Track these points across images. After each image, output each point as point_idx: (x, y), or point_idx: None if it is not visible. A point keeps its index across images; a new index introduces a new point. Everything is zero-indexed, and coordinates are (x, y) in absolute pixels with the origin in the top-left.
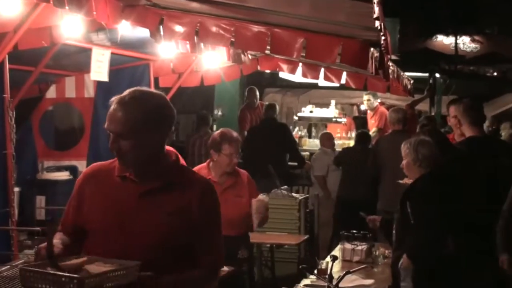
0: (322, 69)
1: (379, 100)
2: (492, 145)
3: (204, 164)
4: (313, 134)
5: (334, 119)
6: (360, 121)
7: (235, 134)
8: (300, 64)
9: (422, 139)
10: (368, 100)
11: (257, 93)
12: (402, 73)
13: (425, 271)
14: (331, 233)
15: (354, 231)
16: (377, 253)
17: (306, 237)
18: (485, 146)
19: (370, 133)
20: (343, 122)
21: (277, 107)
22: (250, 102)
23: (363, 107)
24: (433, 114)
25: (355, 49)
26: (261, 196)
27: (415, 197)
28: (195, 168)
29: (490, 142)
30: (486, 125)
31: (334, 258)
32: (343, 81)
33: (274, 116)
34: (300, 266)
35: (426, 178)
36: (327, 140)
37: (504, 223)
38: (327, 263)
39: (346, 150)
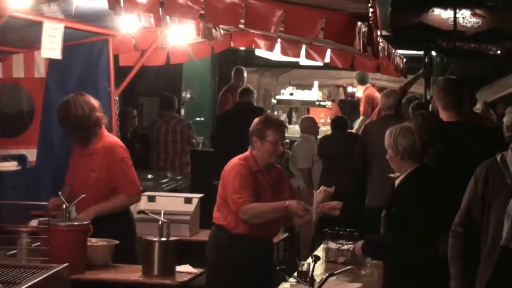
0: (304, 46)
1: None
2: (467, 131)
3: (248, 153)
4: (294, 119)
5: (317, 103)
6: (347, 105)
7: (278, 118)
8: (279, 40)
9: (403, 127)
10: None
11: (245, 74)
12: (393, 51)
13: (416, 276)
14: (314, 230)
15: (339, 228)
16: None
17: (285, 235)
18: (460, 132)
19: (358, 121)
20: (327, 106)
21: (254, 90)
22: (236, 85)
23: (350, 89)
24: (428, 97)
25: (340, 23)
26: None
27: (406, 194)
28: (239, 157)
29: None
30: (477, 108)
31: (316, 259)
32: (327, 59)
33: (250, 99)
34: (278, 268)
35: (418, 173)
36: (309, 125)
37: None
38: (309, 264)
39: (325, 139)
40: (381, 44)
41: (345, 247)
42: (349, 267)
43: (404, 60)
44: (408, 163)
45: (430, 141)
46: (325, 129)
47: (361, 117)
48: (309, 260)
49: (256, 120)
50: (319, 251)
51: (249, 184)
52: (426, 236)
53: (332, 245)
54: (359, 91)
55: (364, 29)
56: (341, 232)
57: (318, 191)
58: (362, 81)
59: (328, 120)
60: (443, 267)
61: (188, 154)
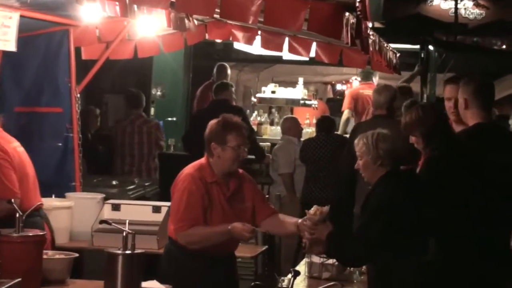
0: (287, 39)
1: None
2: (505, 136)
3: (203, 161)
4: (276, 120)
5: (302, 102)
6: (335, 105)
7: (238, 119)
8: (259, 32)
9: (380, 132)
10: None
11: (229, 72)
12: (385, 45)
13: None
14: (297, 243)
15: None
16: (352, 268)
17: (264, 248)
18: (498, 136)
19: (343, 117)
20: (313, 106)
21: (233, 85)
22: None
23: (339, 86)
24: (425, 96)
25: (325, 13)
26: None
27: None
28: (194, 165)
29: (502, 132)
30: None
31: (296, 274)
32: (312, 53)
33: (227, 96)
34: (253, 284)
35: (388, 177)
36: (292, 126)
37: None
38: (289, 280)
39: (308, 142)
40: (371, 37)
41: (330, 261)
42: (332, 283)
43: (398, 55)
44: (383, 169)
45: (431, 139)
46: (310, 130)
47: (344, 112)
48: (290, 275)
49: (212, 123)
50: (301, 266)
51: (197, 204)
52: (385, 243)
53: (316, 259)
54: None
55: (352, 20)
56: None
57: (312, 211)
58: (366, 77)
59: (314, 121)
60: (431, 279)
61: (156, 157)
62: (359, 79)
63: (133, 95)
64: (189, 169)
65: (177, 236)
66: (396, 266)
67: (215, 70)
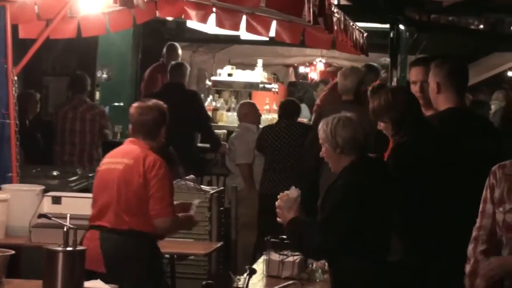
0: (244, 17)
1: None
2: (481, 122)
3: (144, 145)
4: (233, 105)
5: (261, 86)
6: (298, 89)
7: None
8: (214, 9)
9: (341, 117)
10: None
11: (180, 52)
12: (351, 24)
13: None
14: (255, 239)
15: (284, 236)
16: (314, 266)
17: (219, 244)
18: (473, 123)
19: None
20: (273, 90)
21: (188, 67)
22: (167, 64)
23: (302, 69)
24: (394, 79)
25: None
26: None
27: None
28: (148, 150)
29: (477, 118)
30: None
31: (251, 272)
32: (272, 33)
33: (182, 80)
34: (204, 283)
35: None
36: (249, 112)
37: None
38: (245, 279)
39: (268, 129)
40: (336, 15)
41: (290, 259)
42: (290, 282)
43: (365, 35)
44: (347, 158)
45: (401, 125)
46: (269, 117)
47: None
48: (245, 274)
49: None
50: (260, 264)
51: (173, 191)
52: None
53: (275, 256)
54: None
55: None
56: (285, 241)
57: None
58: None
59: (275, 107)
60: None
61: (99, 147)
62: (323, 61)
63: (76, 78)
64: (152, 154)
65: (167, 222)
66: (358, 266)
67: (164, 50)
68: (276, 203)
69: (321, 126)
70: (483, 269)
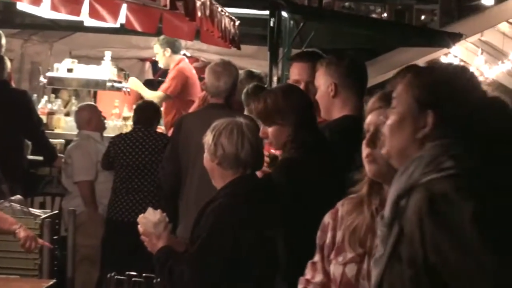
0: None
1: (183, 53)
2: None
3: None
4: (74, 108)
5: (109, 84)
6: (155, 89)
7: None
8: None
9: (231, 122)
10: (157, 53)
11: (3, 41)
12: (220, 9)
13: None
14: (98, 274)
15: (133, 273)
16: None
17: (51, 282)
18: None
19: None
20: (125, 89)
21: (7, 62)
22: None
23: (161, 64)
24: (275, 78)
25: None
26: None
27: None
28: None
29: None
30: None
31: None
32: (122, 19)
33: (5, 77)
34: None
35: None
36: (91, 117)
37: None
38: None
39: (118, 140)
40: None
41: None
42: None
43: (237, 23)
44: (227, 172)
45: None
46: (120, 123)
47: (159, 94)
48: None
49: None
50: None
51: None
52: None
53: None
54: (162, 54)
55: None
56: (133, 279)
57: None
58: (174, 46)
59: (127, 111)
60: None
61: None
62: (185, 52)
63: None
64: None
65: None
66: None
67: None
68: (139, 229)
69: (211, 128)
70: None
